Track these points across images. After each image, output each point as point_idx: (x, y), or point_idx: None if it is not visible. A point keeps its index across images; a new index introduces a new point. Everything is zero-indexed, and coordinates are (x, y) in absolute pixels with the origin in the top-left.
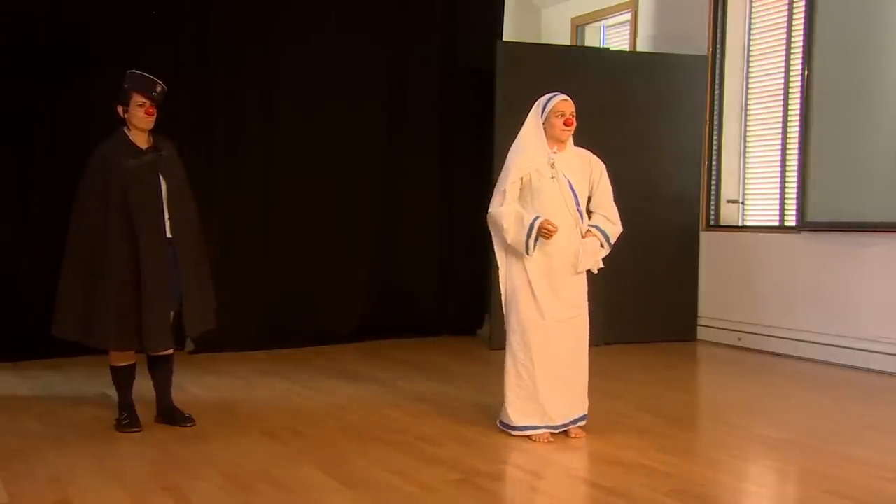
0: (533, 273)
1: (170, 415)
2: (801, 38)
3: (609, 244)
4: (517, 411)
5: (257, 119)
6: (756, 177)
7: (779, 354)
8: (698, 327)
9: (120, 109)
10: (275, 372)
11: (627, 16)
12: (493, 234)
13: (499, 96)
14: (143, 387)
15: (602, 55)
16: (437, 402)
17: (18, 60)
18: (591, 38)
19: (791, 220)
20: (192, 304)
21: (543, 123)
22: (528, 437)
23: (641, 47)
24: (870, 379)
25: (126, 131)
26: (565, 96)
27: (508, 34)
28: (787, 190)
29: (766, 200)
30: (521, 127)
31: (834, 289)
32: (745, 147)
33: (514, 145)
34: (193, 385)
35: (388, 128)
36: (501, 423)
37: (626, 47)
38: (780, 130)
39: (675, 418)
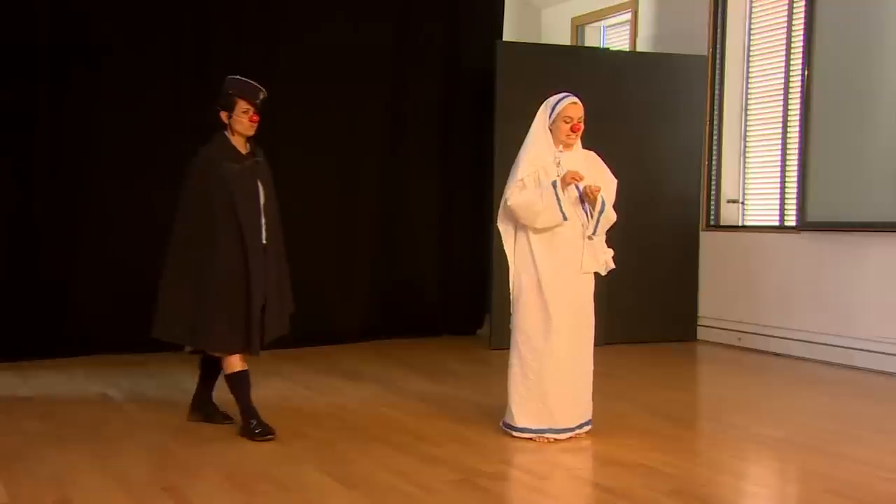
0: (541, 272)
1: (207, 412)
2: (801, 38)
3: (597, 220)
4: (521, 412)
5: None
6: (756, 177)
7: (779, 354)
8: (698, 327)
9: (223, 115)
10: (275, 372)
11: (627, 16)
12: (505, 232)
13: (499, 96)
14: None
15: (602, 55)
16: (437, 402)
17: (18, 60)
18: (591, 38)
19: (791, 220)
20: (274, 311)
21: (550, 125)
22: (530, 438)
23: (641, 47)
24: (869, 379)
25: (228, 136)
26: (575, 99)
27: (508, 34)
28: (787, 190)
29: (766, 200)
30: (523, 126)
31: (834, 289)
32: (745, 147)
33: (523, 144)
34: (193, 385)
35: (388, 128)
36: (505, 423)
37: (626, 47)
38: (780, 130)
39: (675, 418)
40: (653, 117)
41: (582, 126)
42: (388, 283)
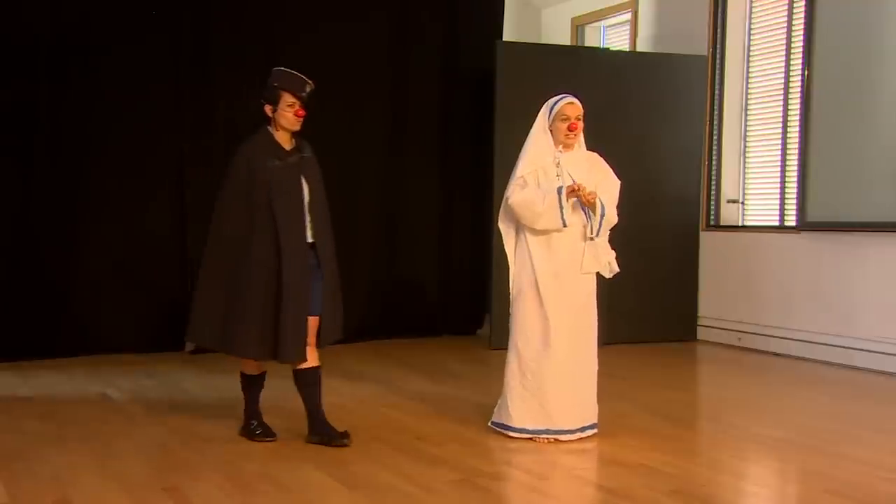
0: (539, 273)
1: (323, 433)
2: (801, 38)
3: (599, 222)
4: (519, 412)
5: (258, 119)
6: (756, 177)
7: (779, 354)
8: (698, 327)
9: (267, 109)
10: (275, 372)
11: (627, 16)
12: (505, 231)
13: (499, 96)
14: (144, 385)
15: (602, 55)
16: (437, 402)
17: (18, 60)
18: (591, 38)
19: (791, 220)
20: (330, 315)
21: (550, 126)
22: (530, 438)
23: (641, 47)
24: (869, 379)
25: (271, 131)
26: (572, 99)
27: (508, 34)
28: (787, 190)
29: (766, 200)
30: (523, 126)
31: (834, 289)
32: (745, 147)
33: (524, 145)
34: (193, 385)
35: (388, 128)
36: (494, 422)
37: (626, 47)
38: (780, 130)
39: (675, 418)
40: (653, 117)
41: (580, 125)
42: (387, 283)
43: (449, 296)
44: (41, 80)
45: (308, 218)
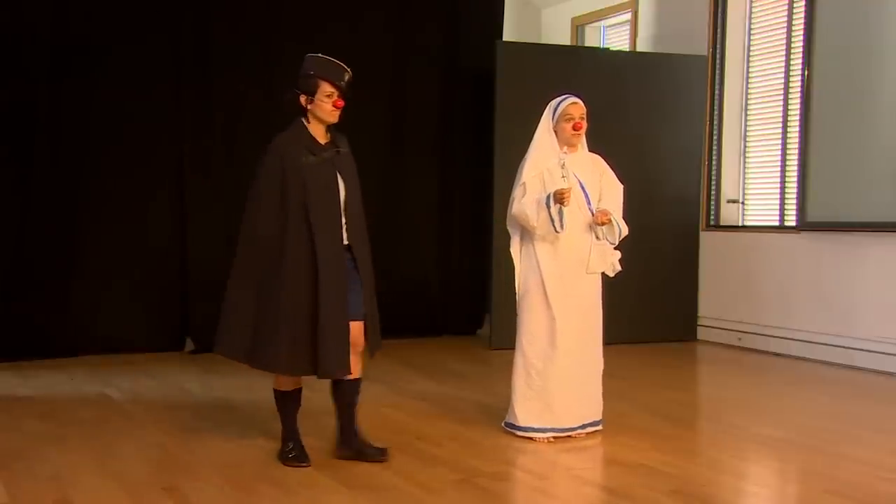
0: (546, 273)
1: (357, 448)
2: (801, 38)
3: (618, 235)
4: (524, 411)
5: (258, 120)
6: (756, 177)
7: (779, 354)
8: (698, 327)
9: (303, 99)
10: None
11: (627, 16)
12: (512, 233)
13: (499, 96)
14: (144, 385)
15: (602, 55)
16: (437, 402)
17: (18, 60)
18: (591, 38)
19: (791, 220)
20: (374, 321)
21: (554, 127)
22: (530, 438)
23: (641, 47)
24: (869, 379)
25: (305, 124)
26: (576, 99)
27: (508, 34)
28: (787, 190)
29: (766, 200)
30: (523, 126)
31: (834, 289)
32: (745, 147)
33: (529, 148)
34: (193, 385)
35: (388, 128)
36: (508, 423)
37: (626, 47)
38: (780, 130)
39: (675, 418)
40: (653, 117)
41: (584, 124)
42: (387, 283)
43: (449, 296)
44: (41, 81)
45: (344, 219)
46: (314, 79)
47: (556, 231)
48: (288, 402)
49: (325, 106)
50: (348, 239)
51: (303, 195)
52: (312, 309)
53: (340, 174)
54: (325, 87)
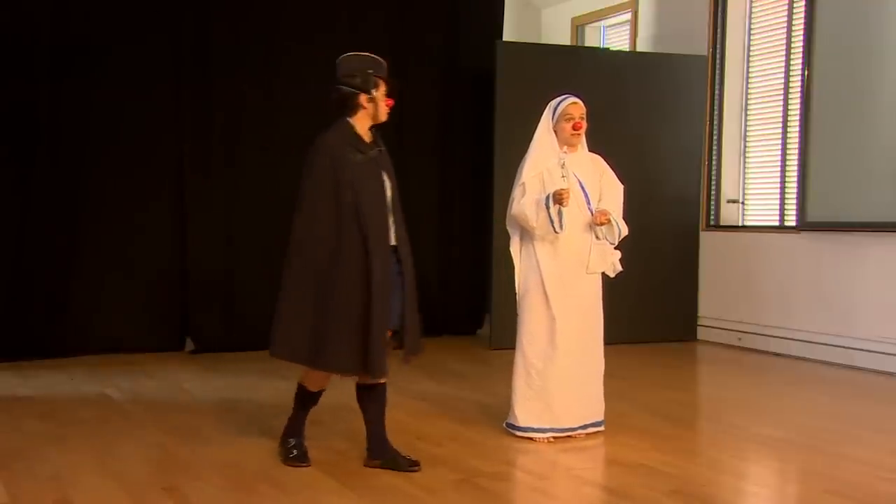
0: (546, 273)
1: (390, 457)
2: (801, 38)
3: (617, 236)
4: (524, 410)
5: (258, 120)
6: (756, 177)
7: (779, 354)
8: (698, 327)
9: (362, 98)
10: (275, 372)
11: (627, 16)
12: (512, 233)
13: (499, 96)
14: (144, 385)
15: (602, 55)
16: (437, 402)
17: (18, 60)
18: (591, 38)
19: (791, 220)
20: (414, 324)
21: (554, 126)
22: (530, 438)
23: (641, 47)
24: (869, 379)
25: (352, 123)
26: (575, 99)
27: (508, 34)
28: (787, 190)
29: (766, 200)
30: (523, 126)
31: (834, 289)
32: (745, 147)
33: (529, 148)
34: (193, 385)
35: (388, 128)
36: (508, 424)
37: (626, 47)
38: (780, 130)
39: (675, 418)
40: (653, 117)
41: (584, 124)
42: None
43: (449, 296)
44: (41, 81)
45: (391, 219)
46: (374, 77)
47: (556, 232)
48: (309, 402)
49: (382, 106)
50: (395, 240)
51: (353, 195)
52: (366, 310)
53: (385, 172)
54: (383, 86)
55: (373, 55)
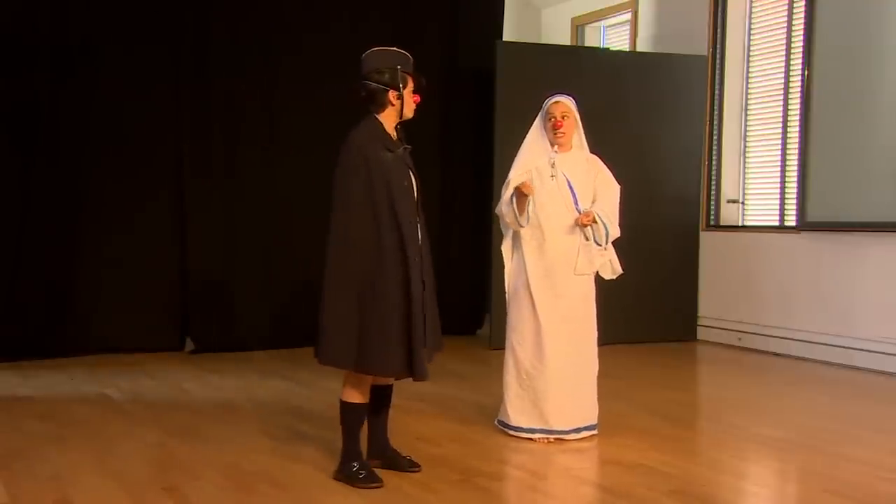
0: (530, 274)
1: (390, 456)
2: (801, 38)
3: (605, 237)
4: (515, 410)
5: (257, 120)
6: (756, 177)
7: (779, 354)
8: (698, 327)
9: (391, 95)
10: (275, 372)
11: (627, 16)
12: (504, 232)
13: (499, 96)
14: (144, 385)
15: (602, 55)
16: (437, 402)
17: (18, 60)
18: (591, 38)
19: (791, 220)
20: (435, 321)
21: (544, 126)
22: (528, 438)
23: (641, 47)
24: (869, 379)
25: (380, 120)
26: (558, 98)
27: (508, 34)
28: (787, 190)
29: (766, 200)
30: (523, 126)
31: (834, 289)
32: (745, 147)
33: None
34: (193, 385)
35: None
36: (499, 421)
37: (626, 47)
38: (780, 130)
39: (675, 418)
40: (653, 117)
41: (566, 123)
42: None
43: (449, 296)
44: (41, 80)
45: (419, 218)
46: (402, 73)
47: (521, 225)
48: (356, 418)
49: (411, 102)
50: (420, 239)
51: (387, 194)
52: (407, 311)
53: (412, 171)
54: (411, 83)
55: (400, 50)
